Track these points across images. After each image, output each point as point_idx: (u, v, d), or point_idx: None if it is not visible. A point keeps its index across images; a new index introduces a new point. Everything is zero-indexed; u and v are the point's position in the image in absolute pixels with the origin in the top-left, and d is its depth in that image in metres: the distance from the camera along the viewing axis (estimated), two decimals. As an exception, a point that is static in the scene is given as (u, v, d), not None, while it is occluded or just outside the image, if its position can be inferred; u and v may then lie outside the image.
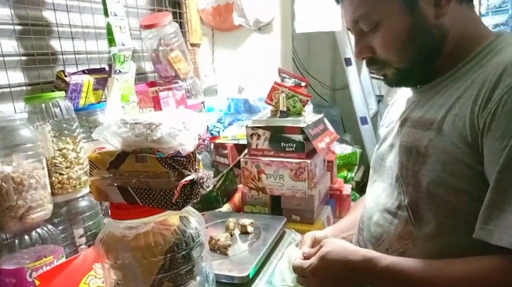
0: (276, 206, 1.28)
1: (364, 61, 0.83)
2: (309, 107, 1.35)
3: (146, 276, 0.70)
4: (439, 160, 0.70)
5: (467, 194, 0.68)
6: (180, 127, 0.70)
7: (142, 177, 0.70)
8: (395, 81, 0.81)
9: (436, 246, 0.72)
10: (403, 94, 0.88)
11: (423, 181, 0.72)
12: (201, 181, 0.71)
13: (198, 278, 0.76)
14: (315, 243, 0.87)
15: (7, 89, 1.02)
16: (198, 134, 0.75)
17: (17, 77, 1.06)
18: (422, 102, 0.79)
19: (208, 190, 0.72)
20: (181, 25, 1.61)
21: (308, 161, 1.20)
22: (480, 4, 1.57)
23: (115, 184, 0.71)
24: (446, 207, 0.71)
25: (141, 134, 0.68)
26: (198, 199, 0.72)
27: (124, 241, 0.71)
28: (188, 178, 0.69)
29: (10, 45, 1.04)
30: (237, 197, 1.42)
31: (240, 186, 1.43)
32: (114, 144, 0.70)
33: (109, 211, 0.75)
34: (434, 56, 0.75)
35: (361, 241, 0.88)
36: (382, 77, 0.83)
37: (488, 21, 1.55)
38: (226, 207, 1.35)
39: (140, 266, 0.70)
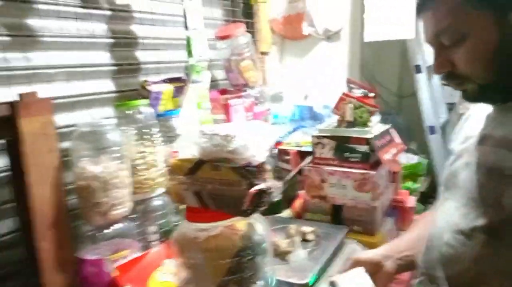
0: (337, 215, 1.30)
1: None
2: (376, 118, 1.35)
3: (214, 277, 0.77)
4: None
5: None
6: (253, 140, 0.75)
7: (216, 184, 0.76)
8: (475, 97, 0.78)
9: None
10: (480, 109, 0.84)
11: (508, 204, 0.69)
12: (269, 190, 0.76)
13: (260, 282, 0.81)
14: (367, 265, 0.89)
15: (99, 96, 1.15)
16: (269, 146, 0.80)
17: (108, 85, 1.18)
18: (504, 120, 0.75)
19: (275, 199, 0.77)
20: (252, 34, 1.68)
21: (373, 173, 1.20)
22: None
23: (192, 189, 0.78)
24: None
25: (218, 145, 0.74)
26: (266, 207, 0.77)
27: (196, 242, 0.77)
28: (258, 187, 0.74)
29: (104, 57, 1.17)
30: (297, 203, 1.45)
31: (300, 192, 1.47)
32: (193, 152, 0.77)
33: (185, 213, 0.82)
34: None
35: (429, 261, 0.85)
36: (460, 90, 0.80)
37: None
38: (286, 213, 1.40)
39: (209, 267, 0.77)
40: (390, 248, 0.98)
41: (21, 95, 0.89)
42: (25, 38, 0.98)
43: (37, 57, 1.01)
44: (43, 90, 0.95)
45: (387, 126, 1.37)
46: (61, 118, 1.02)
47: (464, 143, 0.85)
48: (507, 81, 0.73)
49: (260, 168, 0.77)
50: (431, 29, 0.75)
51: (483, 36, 0.70)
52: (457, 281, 0.77)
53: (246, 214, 0.75)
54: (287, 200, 1.47)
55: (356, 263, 0.92)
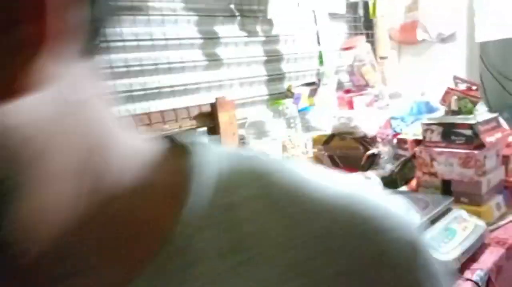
0: (446, 189, 1.55)
1: None
2: (482, 108, 1.56)
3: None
4: None
5: None
6: (367, 120, 1.12)
7: (343, 150, 1.14)
8: None
9: None
10: None
11: None
12: (379, 153, 1.11)
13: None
14: None
15: (259, 98, 1.63)
16: (379, 126, 1.15)
17: (262, 90, 1.66)
18: None
19: (384, 159, 1.12)
20: (372, 43, 2.01)
21: (476, 152, 1.43)
22: None
23: (327, 154, 1.18)
24: None
25: (344, 123, 1.13)
26: (377, 167, 1.12)
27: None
28: (371, 151, 1.10)
29: (261, 70, 1.65)
30: (414, 182, 1.73)
31: (416, 175, 1.73)
32: (327, 129, 1.17)
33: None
34: None
35: None
36: None
37: None
38: (403, 188, 1.69)
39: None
40: None
41: (216, 98, 1.40)
42: (214, 62, 1.50)
43: (222, 73, 1.52)
44: (227, 95, 1.45)
45: (494, 114, 1.56)
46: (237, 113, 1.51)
47: None
48: None
49: (373, 138, 1.13)
50: None
51: None
52: None
53: (363, 169, 1.12)
54: (404, 179, 1.75)
55: None
